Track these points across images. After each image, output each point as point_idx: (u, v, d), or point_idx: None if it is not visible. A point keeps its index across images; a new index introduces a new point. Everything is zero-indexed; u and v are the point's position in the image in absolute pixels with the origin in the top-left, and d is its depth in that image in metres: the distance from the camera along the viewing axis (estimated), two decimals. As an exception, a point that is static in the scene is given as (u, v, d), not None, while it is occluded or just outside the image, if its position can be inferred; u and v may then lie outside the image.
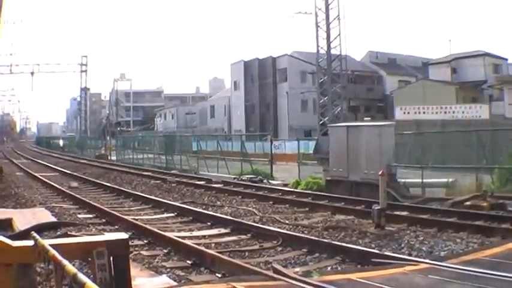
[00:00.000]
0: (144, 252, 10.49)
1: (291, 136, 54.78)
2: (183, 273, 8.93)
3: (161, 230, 12.43)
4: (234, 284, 6.77)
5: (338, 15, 26.55)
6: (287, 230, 12.57)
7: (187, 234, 12.65)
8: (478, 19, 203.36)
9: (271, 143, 34.15)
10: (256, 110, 69.42)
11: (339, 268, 9.09)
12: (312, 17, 28.24)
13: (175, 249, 10.53)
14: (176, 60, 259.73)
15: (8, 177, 27.39)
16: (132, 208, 17.63)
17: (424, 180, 19.96)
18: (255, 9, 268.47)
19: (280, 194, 20.30)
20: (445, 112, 49.82)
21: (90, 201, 17.83)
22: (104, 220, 14.69)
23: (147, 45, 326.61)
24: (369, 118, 39.57)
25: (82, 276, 3.36)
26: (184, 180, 26.29)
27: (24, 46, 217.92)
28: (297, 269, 8.84)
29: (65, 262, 3.72)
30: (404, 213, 14.73)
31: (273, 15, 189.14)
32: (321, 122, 26.97)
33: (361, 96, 66.48)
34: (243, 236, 12.16)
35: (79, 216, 15.28)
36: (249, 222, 13.54)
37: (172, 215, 15.82)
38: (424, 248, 10.42)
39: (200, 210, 16.02)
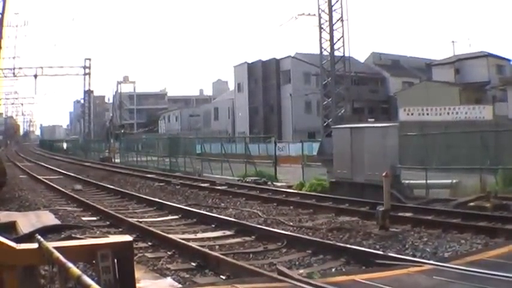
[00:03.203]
0: (148, 255, 10.50)
1: (294, 138, 54.71)
2: (187, 276, 8.93)
3: (165, 232, 12.44)
4: (238, 285, 6.77)
5: (341, 17, 26.46)
6: (291, 231, 12.57)
7: (192, 236, 12.66)
8: (481, 20, 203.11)
9: (275, 144, 34.17)
10: (260, 112, 69.43)
11: (344, 269, 9.09)
12: (315, 19, 28.25)
13: (179, 251, 10.54)
14: (180, 63, 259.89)
15: (12, 180, 27.40)
16: (136, 210, 17.65)
17: (428, 181, 19.91)
18: (258, 12, 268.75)
19: (284, 195, 20.29)
20: (449, 113, 49.75)
21: (94, 204, 17.85)
22: (108, 222, 14.71)
23: (150, 48, 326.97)
24: (373, 119, 39.61)
25: (86, 279, 3.36)
26: (188, 182, 26.31)
27: (28, 49, 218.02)
28: (301, 271, 8.84)
29: (69, 264, 3.72)
30: (409, 214, 14.72)
31: (276, 17, 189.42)
32: (324, 124, 26.88)
33: (365, 98, 66.44)
34: (247, 238, 12.16)
35: (83, 218, 15.30)
36: (253, 224, 13.55)
37: (176, 217, 15.83)
38: (428, 249, 10.41)
39: (204, 212, 16.03)
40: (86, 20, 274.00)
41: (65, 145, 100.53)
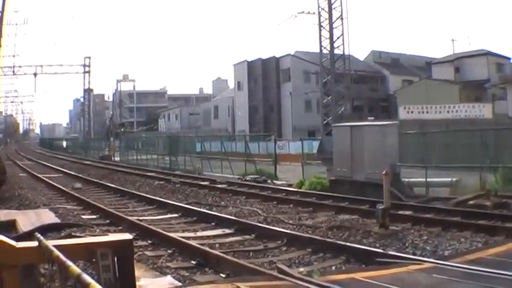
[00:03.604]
0: (148, 253, 10.50)
1: (294, 136, 54.69)
2: (187, 274, 8.93)
3: (165, 231, 12.44)
4: (238, 284, 6.76)
5: (341, 15, 26.43)
6: (291, 230, 12.57)
7: (192, 234, 12.66)
8: (480, 19, 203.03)
9: (275, 143, 34.14)
10: (259, 111, 69.41)
11: (344, 268, 9.09)
12: (315, 17, 28.23)
13: (179, 249, 10.54)
14: (179, 61, 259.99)
15: (12, 178, 27.37)
16: (136, 209, 17.65)
17: (428, 180, 19.92)
18: (258, 10, 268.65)
19: (284, 194, 20.29)
20: (448, 111, 49.78)
21: (94, 202, 17.85)
22: (108, 221, 14.71)
23: (150, 46, 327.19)
24: (373, 118, 39.55)
25: (86, 277, 3.35)
26: (188, 180, 26.30)
27: (27, 47, 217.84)
28: (301, 269, 8.83)
29: (69, 263, 3.71)
30: (408, 212, 14.73)
31: (276, 16, 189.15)
32: (324, 122, 26.87)
33: (365, 96, 66.43)
34: (247, 236, 12.16)
35: (83, 217, 15.30)
36: (253, 223, 13.55)
37: (176, 215, 15.83)
38: (428, 248, 10.41)
39: (204, 210, 16.02)
40: (86, 19, 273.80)
41: (64, 143, 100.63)
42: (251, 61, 71.59)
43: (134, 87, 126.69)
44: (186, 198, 20.28)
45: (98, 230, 13.13)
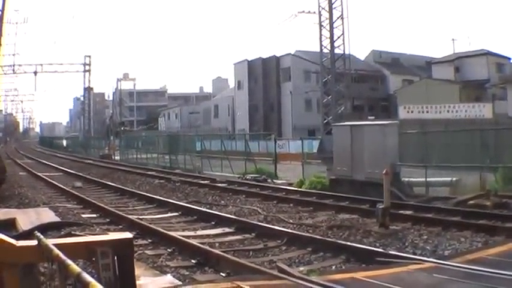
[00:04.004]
0: (148, 252, 10.50)
1: (294, 135, 54.65)
2: (187, 273, 8.93)
3: (165, 230, 12.44)
4: (238, 283, 6.76)
5: (341, 15, 26.43)
6: (291, 229, 12.57)
7: (192, 233, 12.66)
8: (481, 18, 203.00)
9: (275, 142, 34.12)
10: (259, 110, 69.38)
11: (343, 267, 9.09)
12: (315, 17, 28.23)
13: (179, 248, 10.54)
14: (180, 60, 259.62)
15: (12, 177, 27.32)
16: (136, 208, 17.63)
17: (428, 179, 19.92)
18: (259, 9, 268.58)
19: (284, 193, 20.28)
20: (448, 111, 49.78)
21: (94, 201, 17.82)
22: (108, 220, 14.70)
23: (150, 45, 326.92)
24: (373, 117, 39.57)
25: (86, 276, 3.35)
26: (188, 179, 26.28)
27: (27, 46, 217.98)
28: (302, 268, 8.83)
29: (69, 262, 3.71)
30: (409, 212, 14.73)
31: (276, 15, 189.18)
32: (324, 122, 26.88)
33: (365, 96, 66.37)
34: (248, 235, 12.16)
35: (83, 216, 15.28)
36: (253, 222, 13.55)
37: (176, 214, 15.83)
38: (428, 247, 10.41)
39: (204, 209, 16.02)
40: (86, 18, 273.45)
41: (64, 142, 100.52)
42: (251, 60, 71.53)
43: (134, 86, 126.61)
44: (186, 197, 20.26)
45: (97, 229, 13.13)
